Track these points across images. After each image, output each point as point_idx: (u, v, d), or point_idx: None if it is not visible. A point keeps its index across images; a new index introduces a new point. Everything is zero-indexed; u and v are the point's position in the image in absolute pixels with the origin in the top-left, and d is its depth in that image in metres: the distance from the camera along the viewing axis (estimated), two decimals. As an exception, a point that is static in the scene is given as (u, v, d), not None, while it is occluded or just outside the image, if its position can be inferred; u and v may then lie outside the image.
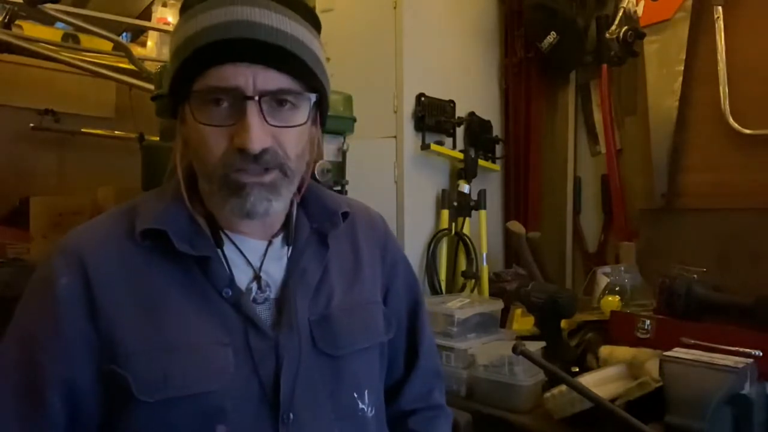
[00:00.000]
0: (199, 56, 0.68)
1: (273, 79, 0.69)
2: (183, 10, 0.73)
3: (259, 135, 0.68)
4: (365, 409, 0.82)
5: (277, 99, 0.71)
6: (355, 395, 0.81)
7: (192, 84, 0.70)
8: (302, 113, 0.73)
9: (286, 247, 0.82)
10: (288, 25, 0.70)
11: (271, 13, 0.69)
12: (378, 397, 0.87)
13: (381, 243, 0.94)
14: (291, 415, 0.73)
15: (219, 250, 0.76)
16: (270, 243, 0.80)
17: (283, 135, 0.71)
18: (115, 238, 0.74)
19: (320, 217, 0.85)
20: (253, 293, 0.77)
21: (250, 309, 0.75)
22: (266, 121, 0.69)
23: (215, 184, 0.72)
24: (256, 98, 0.68)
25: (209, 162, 0.71)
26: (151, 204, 0.77)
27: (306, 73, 0.73)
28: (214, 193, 0.73)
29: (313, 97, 0.74)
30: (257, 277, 0.78)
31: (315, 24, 0.76)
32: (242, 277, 0.77)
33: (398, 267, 0.96)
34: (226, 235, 0.78)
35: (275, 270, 0.80)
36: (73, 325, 0.70)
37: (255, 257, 0.79)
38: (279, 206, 0.74)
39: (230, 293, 0.74)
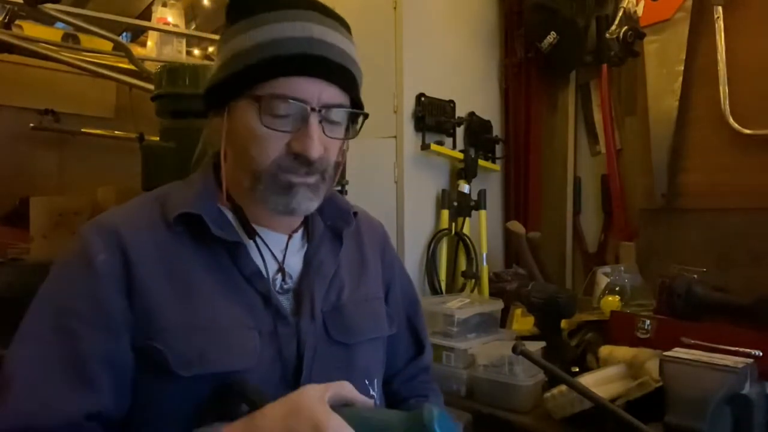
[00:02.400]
0: (275, 63, 0.73)
1: (334, 95, 0.77)
2: (242, 13, 0.77)
3: (318, 145, 0.75)
4: (375, 397, 0.86)
5: (331, 112, 0.77)
6: (367, 382, 0.86)
7: (256, 86, 0.74)
8: (344, 126, 0.82)
9: (304, 242, 0.88)
10: (345, 43, 0.79)
11: (338, 34, 0.78)
12: (381, 389, 0.93)
13: (381, 244, 1.01)
14: None
15: (251, 241, 0.81)
16: (290, 237, 0.86)
17: (330, 144, 0.79)
18: (147, 222, 0.78)
19: (334, 215, 0.91)
20: (278, 285, 0.82)
21: (275, 298, 0.80)
22: (324, 132, 0.76)
23: (262, 182, 0.77)
24: (319, 110, 0.75)
25: (263, 162, 0.76)
26: (182, 192, 0.81)
27: (355, 89, 0.81)
28: (257, 190, 0.77)
29: (362, 114, 0.83)
30: (281, 269, 0.83)
31: (349, 29, 0.84)
32: (269, 268, 0.82)
33: (396, 268, 1.03)
34: (253, 227, 0.82)
35: (295, 262, 0.85)
36: (113, 299, 0.72)
37: (278, 250, 0.84)
38: (315, 206, 0.81)
39: (256, 280, 0.79)
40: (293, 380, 0.77)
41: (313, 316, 0.81)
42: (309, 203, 0.79)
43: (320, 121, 0.76)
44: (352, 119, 0.85)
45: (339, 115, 0.79)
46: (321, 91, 0.75)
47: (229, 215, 0.82)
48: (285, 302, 0.81)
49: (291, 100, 0.74)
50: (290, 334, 0.79)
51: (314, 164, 0.76)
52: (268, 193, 0.77)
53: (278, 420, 0.64)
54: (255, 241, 0.81)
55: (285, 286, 0.83)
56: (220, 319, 0.75)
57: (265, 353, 0.76)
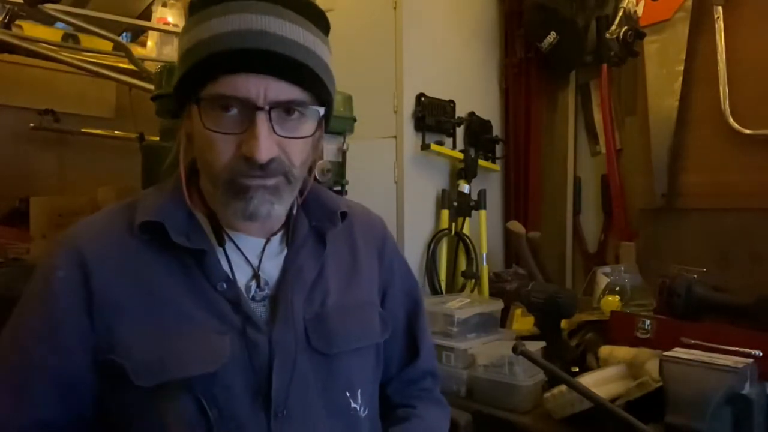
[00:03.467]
0: (212, 62, 0.69)
1: (284, 91, 0.70)
2: (194, 9, 0.73)
3: (267, 145, 0.69)
4: (357, 409, 0.83)
5: (286, 109, 0.72)
6: (348, 394, 0.82)
7: (201, 87, 0.70)
8: (310, 123, 0.75)
9: (283, 246, 0.83)
10: (301, 35, 0.71)
11: (284, 22, 0.70)
12: (372, 398, 0.88)
13: (379, 245, 0.95)
14: (283, 410, 0.74)
15: (221, 248, 0.78)
16: (268, 241, 0.82)
17: (289, 144, 0.73)
18: (114, 232, 0.76)
19: (319, 216, 0.86)
20: (252, 291, 0.79)
21: (246, 305, 0.76)
22: (274, 132, 0.71)
23: (219, 187, 0.73)
24: (266, 109, 0.69)
25: (215, 166, 0.72)
26: (151, 199, 0.79)
27: (316, 84, 0.74)
28: (217, 195, 0.74)
29: (321, 110, 0.76)
30: (256, 276, 0.80)
31: (325, 27, 0.77)
32: (241, 275, 0.79)
33: (396, 270, 0.97)
34: (226, 233, 0.79)
35: (272, 267, 0.81)
36: (68, 317, 0.72)
37: (253, 255, 0.81)
38: (281, 210, 0.76)
39: (225, 287, 0.76)
40: (266, 392, 0.74)
41: (292, 324, 0.77)
42: (269, 207, 0.73)
43: (270, 120, 0.70)
44: (327, 116, 0.79)
45: (296, 112, 0.72)
46: (267, 88, 0.69)
47: (204, 221, 0.79)
48: (260, 309, 0.78)
49: (232, 100, 0.69)
50: (263, 342, 0.75)
51: (269, 167, 0.71)
52: (227, 197, 0.73)
53: None
54: (224, 248, 0.78)
55: (261, 293, 0.79)
56: (183, 326, 0.73)
57: (236, 360, 0.73)
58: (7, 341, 0.75)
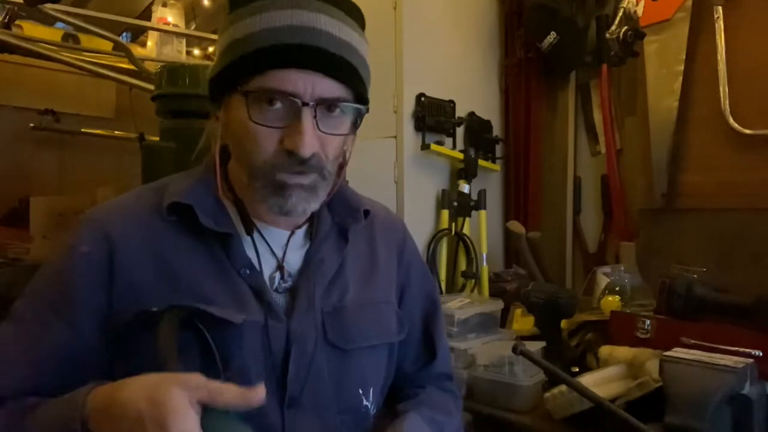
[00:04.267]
0: (262, 56, 0.69)
1: (330, 88, 0.71)
2: (238, 2, 0.73)
3: (311, 141, 0.71)
4: (369, 407, 0.83)
5: (328, 106, 0.73)
6: (360, 391, 0.82)
7: (246, 79, 0.71)
8: (348, 121, 0.77)
9: (307, 239, 0.85)
10: (348, 34, 0.73)
11: (334, 21, 0.72)
12: (381, 398, 0.88)
13: (399, 245, 0.96)
14: (296, 400, 0.75)
15: (248, 237, 0.79)
16: (293, 233, 0.83)
17: (328, 141, 0.74)
18: (141, 213, 0.77)
19: (342, 212, 0.87)
20: (276, 283, 0.80)
21: (268, 293, 0.77)
22: (318, 128, 0.72)
23: (258, 181, 0.74)
24: (312, 105, 0.70)
25: (256, 159, 0.73)
26: (180, 183, 0.80)
27: (358, 82, 0.75)
28: (254, 188, 0.75)
29: (363, 109, 0.77)
30: (280, 267, 0.81)
31: (363, 23, 0.79)
32: (266, 266, 0.80)
33: (414, 271, 0.97)
34: (253, 222, 0.80)
35: (294, 259, 0.83)
36: (86, 294, 0.73)
37: (278, 246, 0.82)
38: (315, 206, 0.77)
39: (248, 273, 0.77)
40: (281, 376, 0.75)
41: (312, 315, 0.79)
42: (305, 205, 0.75)
43: (315, 116, 0.71)
44: (360, 115, 0.79)
45: (338, 109, 0.74)
46: (314, 84, 0.70)
47: (231, 209, 0.80)
48: (280, 300, 0.79)
49: (280, 95, 0.70)
50: (281, 329, 0.76)
51: (308, 162, 0.72)
52: (265, 192, 0.74)
53: (139, 400, 0.59)
54: (252, 237, 0.79)
55: (284, 285, 0.80)
56: (209, 305, 0.73)
57: (253, 342, 0.74)
58: (21, 310, 0.75)
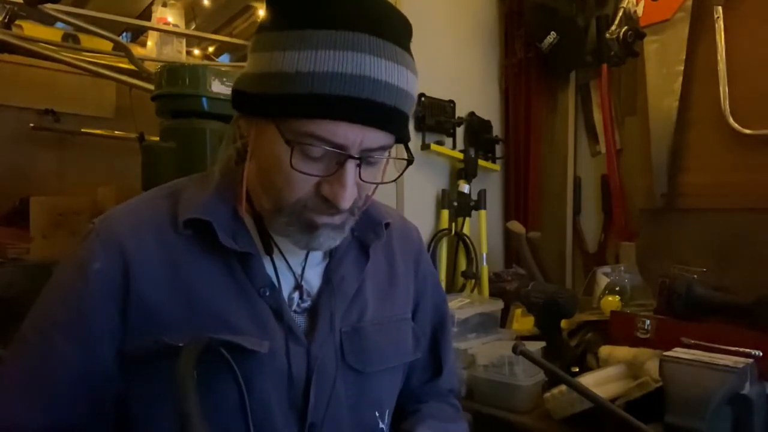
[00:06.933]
0: (315, 102, 0.63)
1: (377, 139, 0.67)
2: (291, 22, 0.64)
3: (352, 193, 0.67)
4: (384, 429, 0.81)
5: (372, 154, 0.68)
6: (377, 414, 0.80)
7: (290, 117, 0.64)
8: (385, 161, 0.72)
9: (326, 254, 0.80)
10: (405, 79, 0.66)
11: (394, 66, 0.65)
12: (391, 418, 0.86)
13: (415, 256, 0.93)
14: (315, 426, 0.73)
15: (269, 257, 0.75)
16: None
17: (366, 187, 0.71)
18: (156, 225, 0.72)
19: (363, 226, 0.82)
20: (295, 304, 0.77)
21: (287, 314, 0.74)
22: (359, 177, 0.68)
23: (285, 216, 0.70)
24: (357, 157, 0.66)
25: (288, 198, 0.68)
26: (195, 193, 0.75)
27: (405, 128, 0.71)
28: (277, 220, 0.71)
29: (408, 161, 0.73)
30: (299, 287, 0.77)
31: (410, 37, 0.72)
32: (285, 284, 0.76)
33: (428, 282, 0.95)
34: (272, 239, 0.76)
35: (313, 276, 0.79)
36: (99, 313, 0.68)
37: (296, 263, 0.78)
38: (340, 241, 0.74)
39: (268, 293, 0.73)
40: (302, 403, 0.72)
41: (328, 336, 0.75)
42: (332, 242, 0.72)
43: (358, 166, 0.66)
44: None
45: (379, 158, 0.69)
46: (364, 137, 0.65)
47: (249, 223, 0.75)
48: (299, 320, 0.76)
49: (324, 142, 0.64)
50: (302, 353, 0.73)
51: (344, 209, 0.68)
52: (291, 229, 0.70)
53: None
54: (271, 256, 0.75)
55: (303, 305, 0.77)
56: (228, 327, 0.69)
57: (274, 365, 0.70)
58: (28, 333, 0.70)
